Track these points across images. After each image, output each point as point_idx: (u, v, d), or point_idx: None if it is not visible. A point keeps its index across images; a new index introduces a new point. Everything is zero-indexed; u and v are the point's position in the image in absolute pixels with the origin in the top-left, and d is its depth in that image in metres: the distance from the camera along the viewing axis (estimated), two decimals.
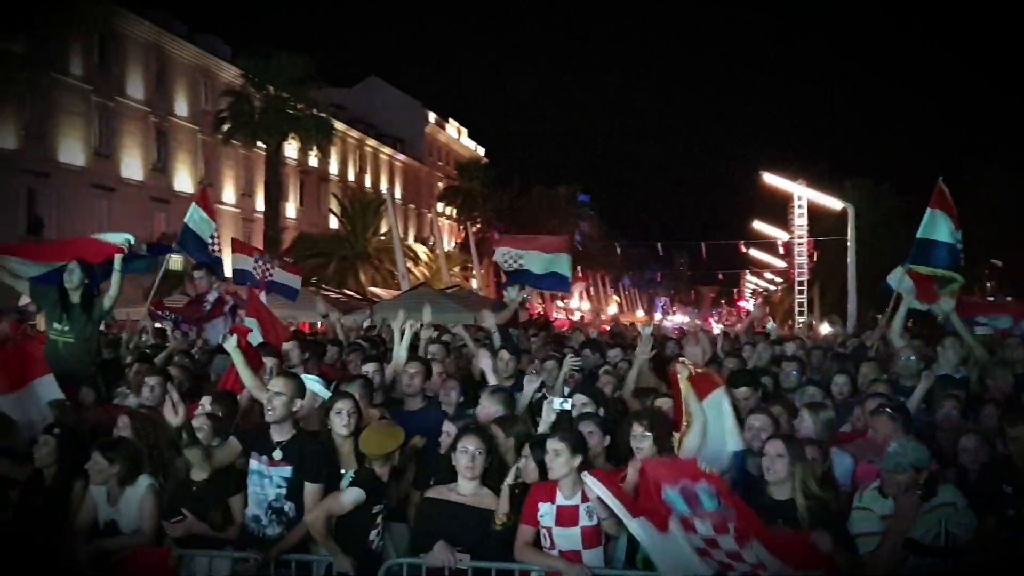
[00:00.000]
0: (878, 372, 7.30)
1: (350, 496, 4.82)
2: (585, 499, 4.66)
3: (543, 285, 12.10)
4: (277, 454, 5.12)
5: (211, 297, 9.40)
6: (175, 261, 21.24)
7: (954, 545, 4.27)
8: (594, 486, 4.45)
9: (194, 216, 10.83)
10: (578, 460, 4.68)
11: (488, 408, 5.75)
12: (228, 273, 11.90)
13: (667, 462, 4.82)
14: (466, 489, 4.87)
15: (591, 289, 65.10)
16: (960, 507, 4.30)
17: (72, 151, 34.74)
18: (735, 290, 77.96)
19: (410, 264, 36.71)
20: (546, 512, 4.70)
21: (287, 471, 5.09)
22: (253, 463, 5.16)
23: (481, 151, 73.11)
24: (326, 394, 5.84)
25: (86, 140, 35.51)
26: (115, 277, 7.59)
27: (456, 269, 43.64)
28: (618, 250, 67.75)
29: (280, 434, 5.16)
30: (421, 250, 45.79)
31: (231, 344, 6.11)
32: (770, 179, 35.47)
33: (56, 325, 7.43)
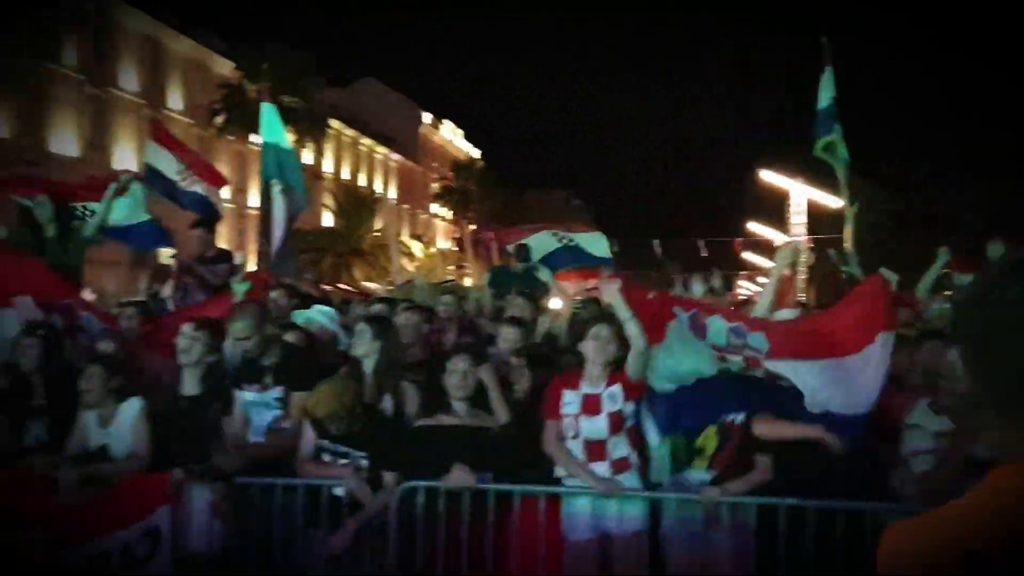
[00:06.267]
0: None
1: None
2: (608, 385, 4.61)
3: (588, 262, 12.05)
4: (269, 380, 5.13)
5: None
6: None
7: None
8: (611, 293, 4.62)
9: (154, 154, 9.65)
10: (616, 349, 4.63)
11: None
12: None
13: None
14: (461, 410, 4.70)
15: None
16: None
17: (65, 142, 34.38)
18: (728, 293, 77.63)
19: (405, 260, 36.48)
20: (571, 400, 4.60)
21: (278, 391, 5.10)
22: (247, 394, 5.08)
23: (476, 153, 72.94)
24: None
25: (79, 131, 35.16)
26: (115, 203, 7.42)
27: (451, 267, 43.32)
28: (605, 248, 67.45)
29: (267, 357, 5.23)
30: (416, 247, 45.47)
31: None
32: (767, 177, 35.31)
33: None
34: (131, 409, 4.82)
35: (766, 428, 4.41)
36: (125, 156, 37.33)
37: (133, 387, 4.94)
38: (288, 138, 9.15)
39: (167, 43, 40.65)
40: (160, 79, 40.17)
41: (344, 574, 4.52)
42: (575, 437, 4.56)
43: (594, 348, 4.64)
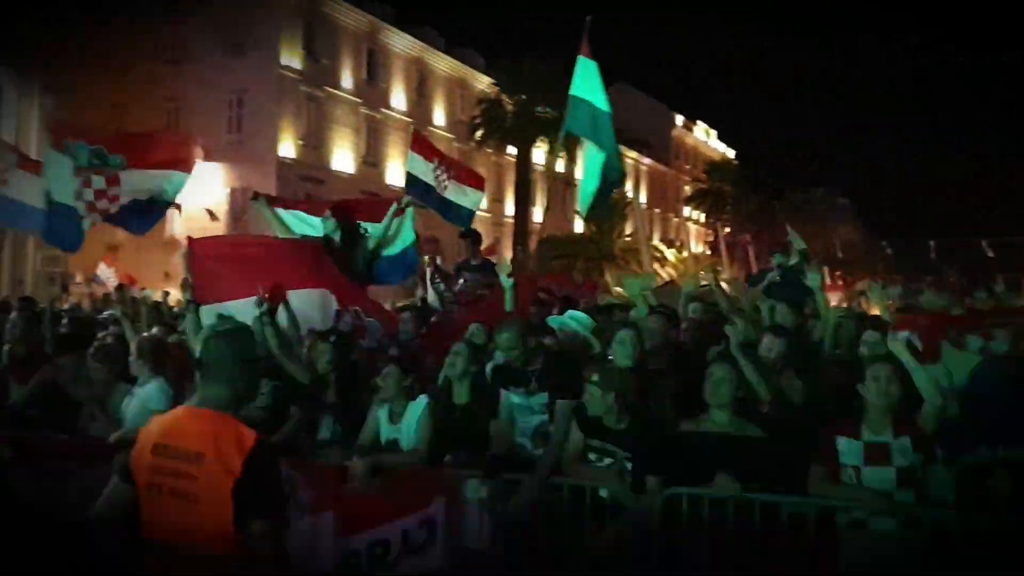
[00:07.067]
0: None
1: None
2: (898, 435, 4.23)
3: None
4: (534, 385, 5.26)
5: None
6: None
7: None
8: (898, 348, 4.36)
9: (413, 163, 10.13)
10: (898, 389, 4.27)
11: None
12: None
13: None
14: (721, 418, 4.55)
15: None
16: None
17: (344, 160, 37.61)
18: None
19: (656, 265, 36.29)
20: (850, 450, 4.27)
21: (543, 397, 5.19)
22: (514, 396, 5.23)
23: (731, 153, 71.14)
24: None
25: (356, 150, 38.33)
26: (403, 223, 8.01)
27: (703, 272, 42.48)
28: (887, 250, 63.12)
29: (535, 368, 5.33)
30: (668, 252, 45.12)
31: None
32: None
33: None
34: (419, 406, 5.18)
35: None
36: (395, 172, 40.16)
37: (419, 385, 5.31)
38: (604, 99, 8.60)
39: (431, 63, 43.28)
40: (425, 98, 42.85)
41: (607, 575, 4.57)
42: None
43: (874, 389, 4.28)
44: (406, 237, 8.62)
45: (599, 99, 8.51)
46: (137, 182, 8.07)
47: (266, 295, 6.08)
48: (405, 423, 5.21)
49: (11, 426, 6.28)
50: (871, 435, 4.27)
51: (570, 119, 8.59)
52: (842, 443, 4.29)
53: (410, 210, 8.38)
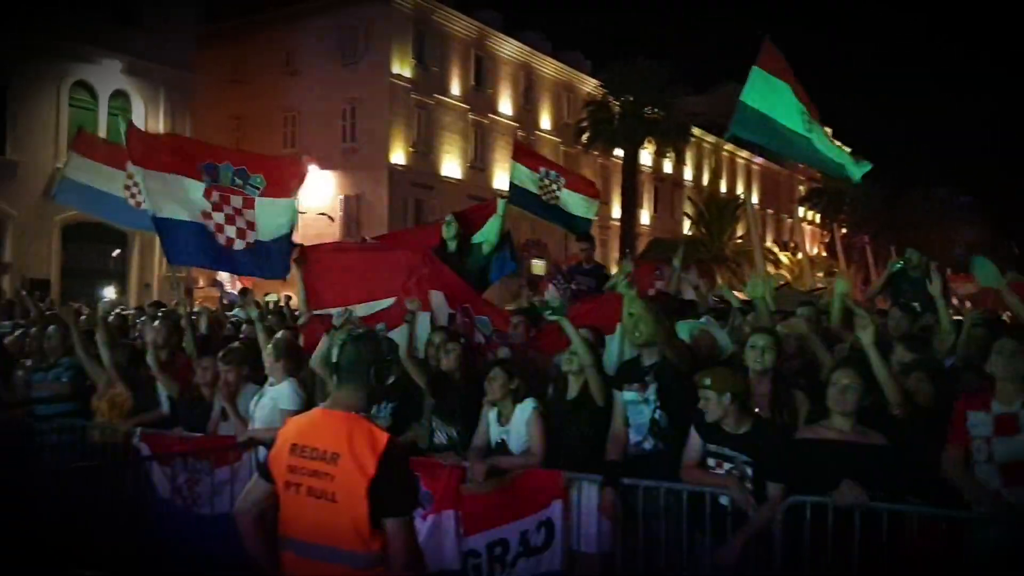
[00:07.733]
0: None
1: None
2: None
3: None
4: (649, 379, 5.17)
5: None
6: None
7: None
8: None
9: (517, 173, 10.02)
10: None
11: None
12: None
13: None
14: (843, 425, 4.42)
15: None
16: None
17: (452, 165, 38.18)
18: None
19: (770, 268, 35.51)
20: (980, 422, 4.24)
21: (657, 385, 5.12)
22: (627, 394, 5.20)
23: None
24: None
25: (464, 155, 38.87)
26: (494, 221, 8.18)
27: (820, 274, 41.28)
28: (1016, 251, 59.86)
29: (648, 358, 5.26)
30: (782, 254, 44.05)
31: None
32: None
33: None
34: (525, 409, 5.25)
35: None
36: (502, 177, 40.52)
37: (527, 387, 5.37)
38: (787, 113, 8.38)
39: (537, 67, 43.49)
40: (531, 102, 43.09)
41: None
42: (988, 460, 4.18)
43: (1000, 363, 4.26)
44: (496, 234, 8.56)
45: (775, 111, 8.34)
46: (268, 214, 7.74)
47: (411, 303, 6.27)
48: (513, 425, 5.29)
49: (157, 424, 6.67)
50: (1001, 407, 4.24)
51: (736, 123, 8.52)
52: (972, 416, 4.28)
53: (501, 204, 8.42)
